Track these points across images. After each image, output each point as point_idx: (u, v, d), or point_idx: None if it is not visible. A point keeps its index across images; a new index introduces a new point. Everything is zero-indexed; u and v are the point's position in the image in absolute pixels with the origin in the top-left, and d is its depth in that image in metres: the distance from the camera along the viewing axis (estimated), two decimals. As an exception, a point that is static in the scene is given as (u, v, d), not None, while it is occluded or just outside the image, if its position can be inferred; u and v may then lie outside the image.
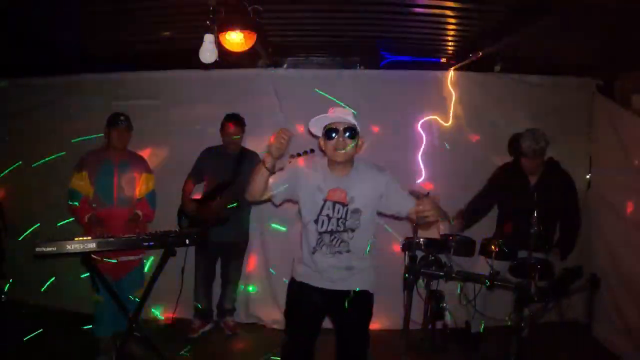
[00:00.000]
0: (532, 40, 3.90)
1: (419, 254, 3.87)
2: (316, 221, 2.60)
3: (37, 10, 3.56)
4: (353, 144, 2.54)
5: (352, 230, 2.59)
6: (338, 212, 2.57)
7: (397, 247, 4.34)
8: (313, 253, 2.64)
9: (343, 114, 2.54)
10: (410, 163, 4.76)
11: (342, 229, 2.58)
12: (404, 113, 4.76)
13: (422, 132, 4.76)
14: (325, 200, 2.58)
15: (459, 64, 4.61)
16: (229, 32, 3.35)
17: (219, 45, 3.39)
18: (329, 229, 2.59)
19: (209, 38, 3.36)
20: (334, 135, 2.52)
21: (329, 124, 2.55)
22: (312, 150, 3.94)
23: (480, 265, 3.81)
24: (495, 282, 3.35)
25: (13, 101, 5.07)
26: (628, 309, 4.02)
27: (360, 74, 4.86)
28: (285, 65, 4.83)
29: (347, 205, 2.57)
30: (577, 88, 4.78)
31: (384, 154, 4.67)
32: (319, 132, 2.61)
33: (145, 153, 4.67)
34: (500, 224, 4.13)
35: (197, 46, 3.40)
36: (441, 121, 4.75)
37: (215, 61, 3.45)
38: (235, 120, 4.32)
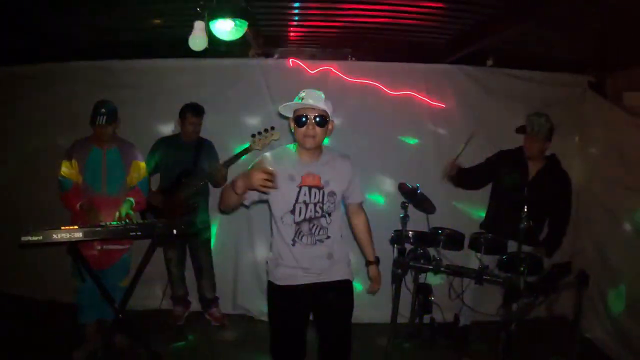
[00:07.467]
0: (523, 37, 3.90)
1: (408, 247, 3.86)
2: (292, 211, 2.52)
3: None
4: (323, 131, 2.49)
5: (329, 215, 2.56)
6: (315, 197, 2.52)
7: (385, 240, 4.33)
8: (293, 245, 2.55)
9: (314, 99, 2.45)
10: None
11: (319, 214, 2.53)
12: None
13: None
14: (300, 187, 2.51)
15: (451, 57, 4.58)
16: (219, 20, 3.29)
17: (209, 33, 3.34)
18: (307, 216, 2.53)
19: (199, 25, 3.31)
20: (304, 120, 2.45)
21: (299, 110, 2.48)
22: (272, 128, 4.08)
23: (471, 259, 3.80)
24: (484, 277, 3.36)
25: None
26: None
27: (352, 65, 4.80)
28: (276, 56, 4.76)
29: (322, 188, 2.53)
30: (569, 84, 4.77)
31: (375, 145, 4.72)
32: (289, 113, 2.53)
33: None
34: (490, 213, 4.14)
35: (186, 34, 3.35)
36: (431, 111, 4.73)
37: (205, 49, 3.40)
38: (196, 109, 4.27)
